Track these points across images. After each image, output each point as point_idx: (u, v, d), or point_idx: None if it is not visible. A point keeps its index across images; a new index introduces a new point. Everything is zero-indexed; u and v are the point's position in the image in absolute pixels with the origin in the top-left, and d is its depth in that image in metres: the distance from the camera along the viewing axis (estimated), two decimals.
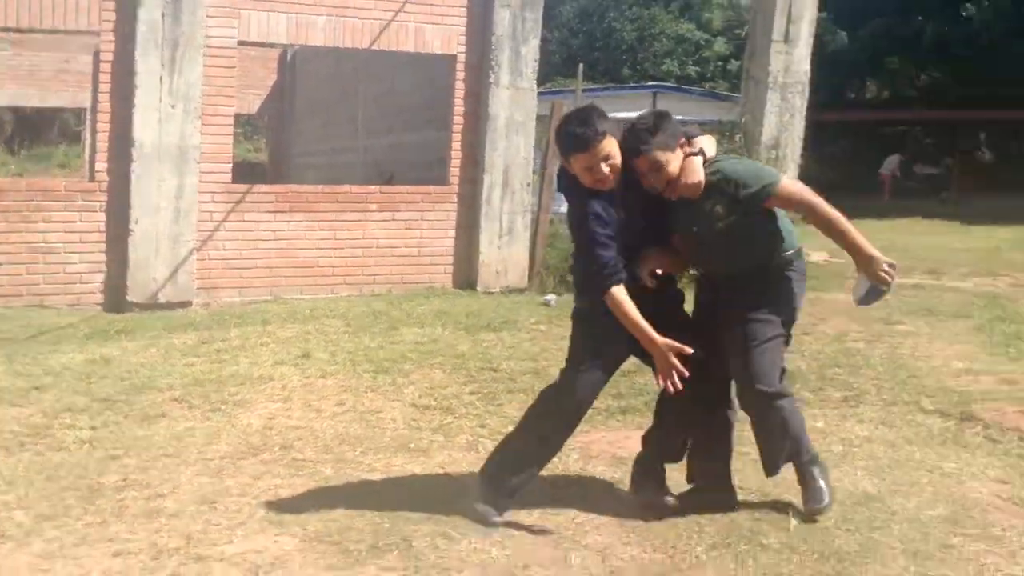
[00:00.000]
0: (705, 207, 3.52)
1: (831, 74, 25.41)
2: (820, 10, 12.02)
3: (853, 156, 29.60)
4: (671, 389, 3.39)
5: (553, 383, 3.81)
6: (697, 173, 3.51)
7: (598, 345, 3.64)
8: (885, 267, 3.47)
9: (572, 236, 3.79)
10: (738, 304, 3.57)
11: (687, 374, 3.37)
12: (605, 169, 3.46)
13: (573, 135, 3.46)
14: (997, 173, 28.41)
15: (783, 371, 3.66)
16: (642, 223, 3.55)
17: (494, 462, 3.78)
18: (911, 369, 6.03)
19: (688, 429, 3.76)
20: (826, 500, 3.60)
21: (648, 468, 3.77)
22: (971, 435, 4.70)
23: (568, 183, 3.64)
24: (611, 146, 3.47)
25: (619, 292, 3.43)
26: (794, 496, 3.78)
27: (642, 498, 3.74)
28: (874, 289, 3.49)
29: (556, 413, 3.71)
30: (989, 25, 23.60)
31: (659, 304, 3.58)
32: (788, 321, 3.64)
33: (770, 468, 3.70)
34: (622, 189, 3.52)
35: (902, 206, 22.49)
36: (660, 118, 3.57)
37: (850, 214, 3.85)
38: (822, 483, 3.64)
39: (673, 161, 3.50)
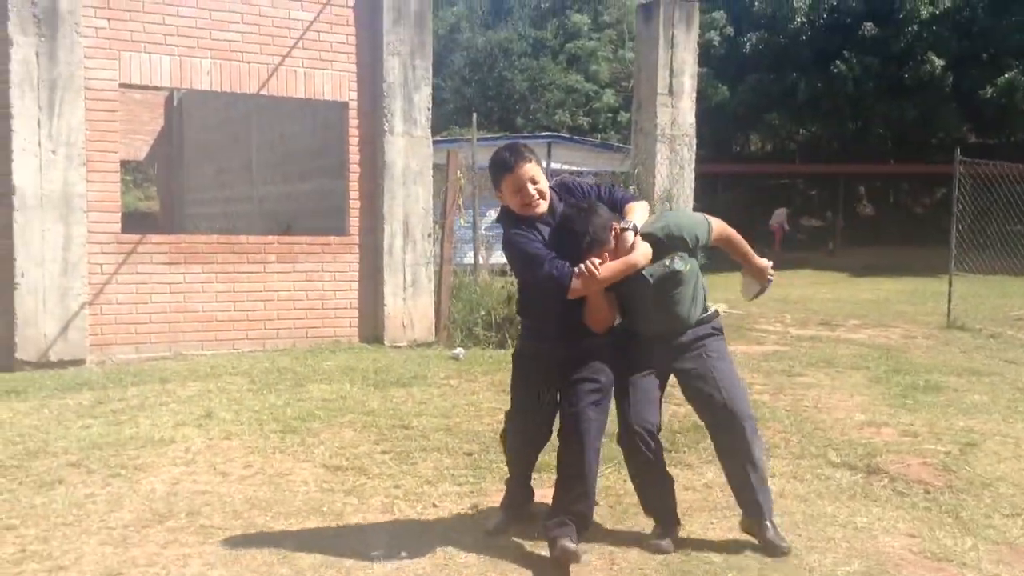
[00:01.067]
0: (663, 260, 3.82)
1: (716, 128, 26.51)
2: (700, 65, 12.55)
3: (742, 208, 30.77)
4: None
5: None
6: (633, 250, 3.72)
7: (525, 384, 4.03)
8: (770, 272, 4.15)
9: (512, 268, 4.02)
10: (705, 350, 3.95)
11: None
12: (532, 191, 3.74)
13: (501, 159, 3.79)
14: (878, 226, 29.98)
15: None
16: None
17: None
18: (816, 421, 6.22)
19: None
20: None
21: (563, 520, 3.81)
22: (879, 488, 4.84)
23: (504, 220, 3.91)
24: (535, 171, 3.78)
25: (576, 280, 3.63)
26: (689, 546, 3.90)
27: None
28: (762, 288, 4.19)
29: (510, 443, 4.21)
30: (858, 82, 25.00)
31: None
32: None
33: (755, 507, 3.93)
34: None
35: (791, 258, 23.50)
36: (587, 219, 3.69)
37: None
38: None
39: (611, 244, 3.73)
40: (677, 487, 4.76)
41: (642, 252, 3.71)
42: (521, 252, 3.75)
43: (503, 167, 3.77)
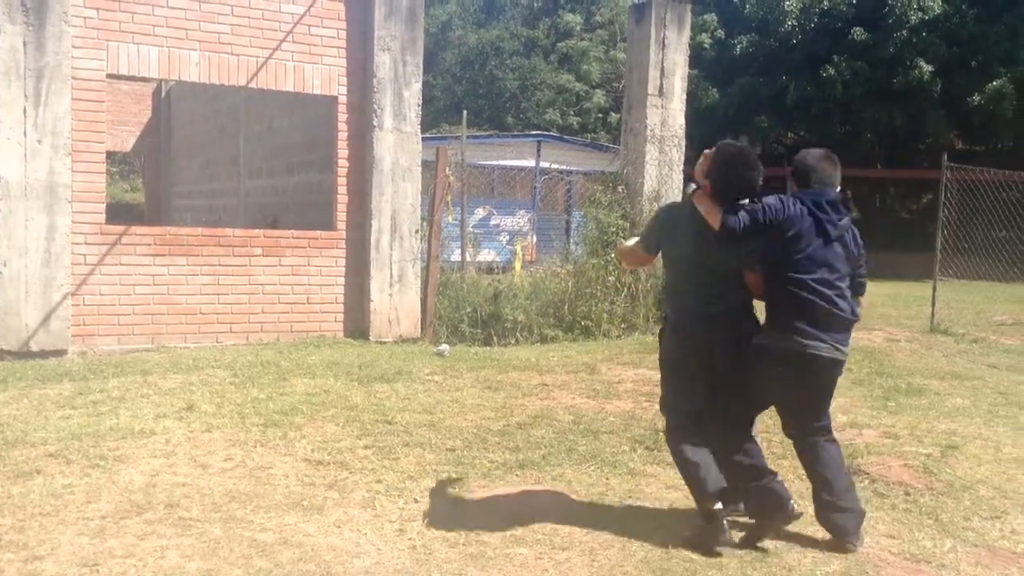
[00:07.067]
0: None
1: (705, 129, 26.46)
2: (691, 67, 12.57)
3: None
4: None
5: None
6: None
7: None
8: None
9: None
10: None
11: None
12: None
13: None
14: (864, 229, 30.10)
15: None
16: None
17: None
18: None
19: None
20: None
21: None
22: (860, 489, 4.79)
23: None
24: None
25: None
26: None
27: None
28: None
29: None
30: (848, 86, 25.09)
31: None
32: None
33: None
34: None
35: None
36: None
37: None
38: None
39: None
40: (663, 486, 4.79)
41: None
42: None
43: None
